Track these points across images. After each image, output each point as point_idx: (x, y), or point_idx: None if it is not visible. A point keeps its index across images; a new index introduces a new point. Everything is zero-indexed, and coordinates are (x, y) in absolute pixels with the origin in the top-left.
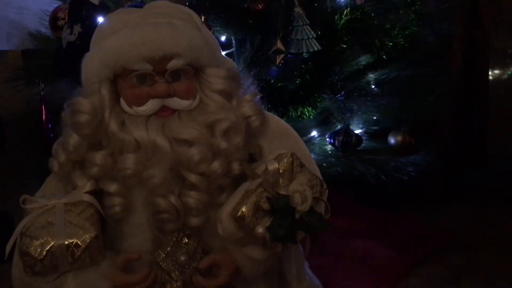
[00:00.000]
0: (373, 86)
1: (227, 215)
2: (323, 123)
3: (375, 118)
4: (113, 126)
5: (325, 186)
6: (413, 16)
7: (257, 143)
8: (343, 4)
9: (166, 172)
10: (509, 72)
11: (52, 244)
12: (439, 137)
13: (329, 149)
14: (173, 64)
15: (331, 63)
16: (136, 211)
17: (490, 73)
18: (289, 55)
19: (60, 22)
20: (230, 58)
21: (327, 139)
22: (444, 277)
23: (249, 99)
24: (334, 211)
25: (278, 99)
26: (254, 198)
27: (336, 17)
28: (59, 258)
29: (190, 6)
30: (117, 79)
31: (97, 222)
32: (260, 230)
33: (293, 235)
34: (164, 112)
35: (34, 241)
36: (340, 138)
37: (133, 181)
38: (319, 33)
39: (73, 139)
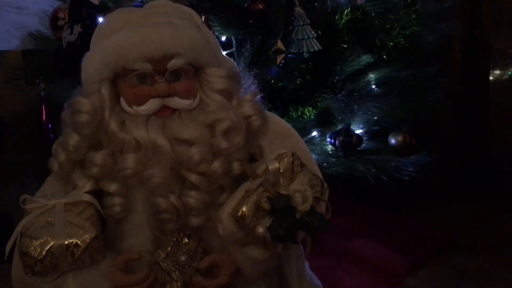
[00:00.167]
0: (373, 86)
1: (227, 215)
2: (324, 123)
3: (375, 118)
4: (113, 125)
5: (325, 185)
6: (414, 16)
7: (257, 143)
8: (343, 4)
9: (166, 172)
10: (510, 73)
11: (52, 244)
12: (440, 137)
13: (329, 149)
14: (173, 63)
15: (332, 63)
16: (136, 211)
17: (490, 73)
18: (289, 55)
19: (60, 22)
20: (231, 58)
21: (328, 139)
22: (445, 277)
23: (249, 98)
24: (335, 211)
25: (278, 99)
26: (255, 198)
27: (336, 17)
28: (59, 258)
29: (190, 6)
30: (117, 78)
31: (97, 222)
32: (260, 230)
33: (294, 235)
34: (164, 111)
35: (34, 241)
36: (341, 138)
37: (133, 181)
38: (320, 33)
39: (73, 139)
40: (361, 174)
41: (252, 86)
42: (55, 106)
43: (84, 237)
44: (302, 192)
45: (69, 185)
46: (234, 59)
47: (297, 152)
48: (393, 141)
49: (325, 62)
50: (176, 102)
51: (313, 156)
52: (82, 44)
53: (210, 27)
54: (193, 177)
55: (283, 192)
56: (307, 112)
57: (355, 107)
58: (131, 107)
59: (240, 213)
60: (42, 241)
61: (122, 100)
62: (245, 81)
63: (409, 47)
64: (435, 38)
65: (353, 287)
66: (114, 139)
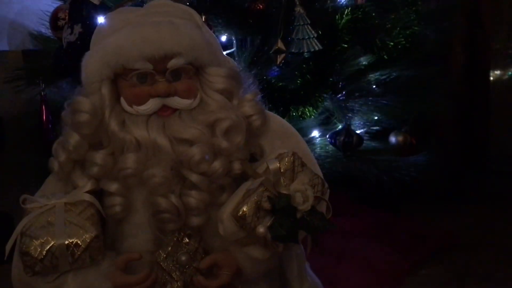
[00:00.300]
0: (374, 86)
1: (228, 215)
2: (324, 123)
3: (376, 118)
4: (113, 125)
5: (326, 185)
6: (414, 16)
7: (258, 143)
8: (344, 4)
9: (167, 172)
10: (510, 73)
11: (52, 244)
12: (440, 137)
13: (330, 149)
14: (173, 63)
15: (332, 63)
16: (137, 211)
17: (491, 73)
18: (290, 55)
19: (61, 22)
20: (231, 58)
21: (328, 139)
22: (445, 277)
23: (250, 98)
24: (335, 211)
25: (279, 99)
26: (255, 198)
27: (337, 16)
28: (59, 258)
29: (190, 5)
30: (118, 78)
31: (98, 222)
32: (261, 229)
33: (295, 235)
34: (164, 111)
35: (34, 241)
36: (341, 138)
37: (134, 181)
38: (320, 32)
39: (73, 138)
40: (362, 174)
41: (252, 86)
42: (56, 106)
43: (84, 237)
44: (303, 191)
45: (69, 185)
46: (234, 59)
47: (297, 151)
48: (393, 141)
49: (325, 62)
50: (177, 102)
51: (314, 156)
52: (83, 44)
53: (210, 27)
54: (194, 177)
55: (284, 191)
56: (308, 112)
57: (356, 107)
58: (132, 107)
59: (240, 212)
60: (42, 241)
61: (122, 99)
62: (245, 81)
63: (410, 47)
64: (435, 38)
65: (353, 287)
66: (115, 138)
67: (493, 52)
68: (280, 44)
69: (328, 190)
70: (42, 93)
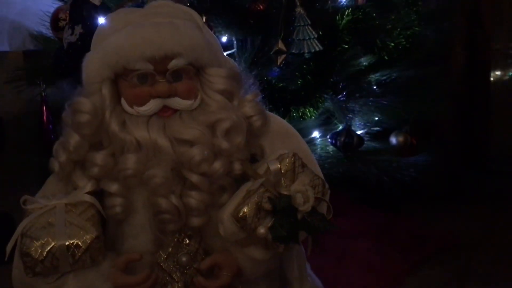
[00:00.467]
0: (374, 87)
1: (228, 216)
2: (325, 124)
3: (376, 118)
4: (114, 126)
5: (327, 186)
6: (415, 16)
7: (258, 143)
8: (344, 4)
9: (167, 172)
10: (510, 73)
11: (52, 244)
12: (440, 137)
13: (330, 149)
14: (174, 64)
15: (333, 64)
16: (137, 212)
17: (491, 73)
18: (290, 56)
19: (61, 23)
20: (231, 58)
21: (329, 139)
22: (445, 278)
23: (250, 99)
24: (335, 212)
25: (279, 100)
26: (256, 198)
27: (337, 17)
28: (60, 259)
29: (191, 6)
30: (118, 79)
31: (98, 222)
32: (261, 230)
33: (295, 236)
34: (165, 112)
35: (34, 241)
36: (342, 139)
37: (134, 182)
38: (321, 33)
39: (74, 139)
40: (362, 175)
41: (253, 86)
42: (56, 106)
43: (85, 237)
44: (303, 192)
45: (70, 185)
46: (235, 60)
47: (298, 152)
48: (394, 141)
49: (326, 63)
50: (177, 102)
51: (314, 156)
52: (83, 45)
53: (211, 28)
54: (194, 178)
55: (284, 192)
56: (308, 113)
57: (356, 107)
58: (132, 108)
59: (241, 213)
60: (43, 241)
61: (123, 100)
62: (246, 82)
63: (410, 48)
64: (435, 38)
65: (353, 287)
66: (115, 139)
67: (493, 52)
68: (281, 45)
69: (329, 191)
70: (43, 94)
